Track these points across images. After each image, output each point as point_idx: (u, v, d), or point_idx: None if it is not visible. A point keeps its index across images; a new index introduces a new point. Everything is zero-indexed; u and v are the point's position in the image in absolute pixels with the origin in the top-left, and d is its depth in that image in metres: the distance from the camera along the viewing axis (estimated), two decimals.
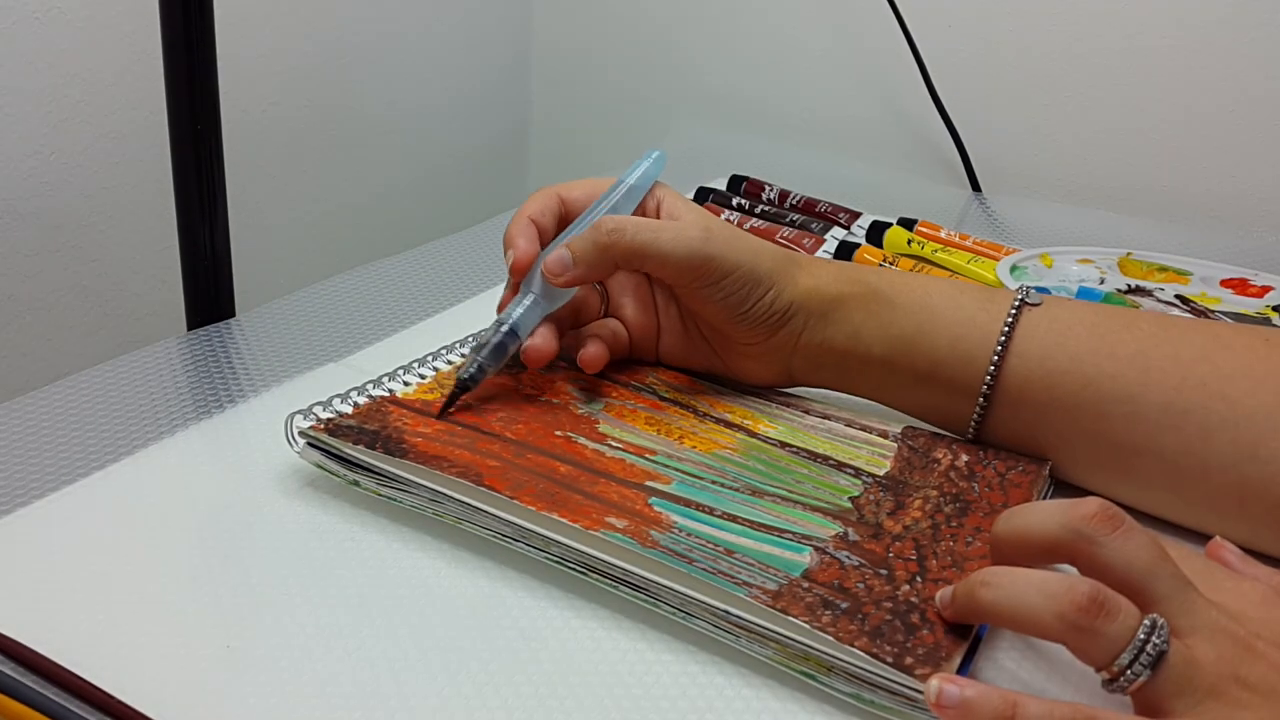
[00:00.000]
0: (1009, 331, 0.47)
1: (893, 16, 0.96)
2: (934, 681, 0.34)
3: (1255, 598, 0.35)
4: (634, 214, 0.52)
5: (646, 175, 0.53)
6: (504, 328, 0.48)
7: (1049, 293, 0.66)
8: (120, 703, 0.34)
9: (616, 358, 0.53)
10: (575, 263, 0.48)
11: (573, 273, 0.48)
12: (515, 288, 0.50)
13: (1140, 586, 0.33)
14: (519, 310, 0.49)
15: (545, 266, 0.48)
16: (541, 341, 0.49)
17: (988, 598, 0.35)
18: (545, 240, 0.51)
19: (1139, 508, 0.46)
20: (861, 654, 0.35)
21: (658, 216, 0.52)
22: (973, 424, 0.48)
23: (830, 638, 0.35)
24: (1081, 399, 0.46)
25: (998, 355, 0.46)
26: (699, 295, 0.49)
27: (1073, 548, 0.34)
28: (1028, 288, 0.48)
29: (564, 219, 0.52)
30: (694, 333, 0.53)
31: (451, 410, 0.48)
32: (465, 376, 0.47)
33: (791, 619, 0.36)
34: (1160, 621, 0.32)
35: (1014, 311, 0.47)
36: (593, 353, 0.50)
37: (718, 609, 0.37)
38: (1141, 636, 0.32)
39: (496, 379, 0.51)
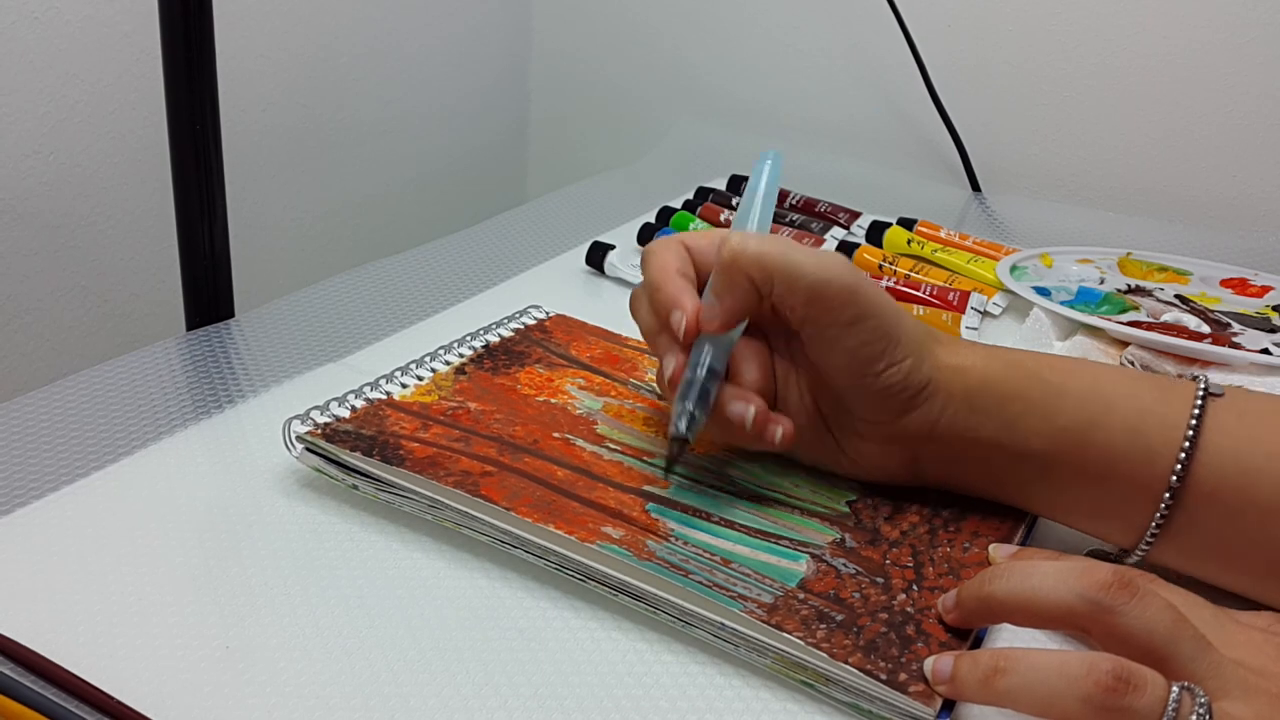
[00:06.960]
0: (1196, 425, 0.41)
1: (893, 17, 0.96)
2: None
3: (1271, 651, 0.35)
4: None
5: (772, 180, 0.50)
6: (701, 370, 0.43)
7: (1048, 295, 0.66)
8: (120, 703, 0.34)
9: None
10: (717, 298, 0.43)
11: (716, 309, 0.43)
12: (686, 349, 0.44)
13: (1165, 653, 0.33)
14: (706, 348, 0.44)
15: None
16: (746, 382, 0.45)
17: (1004, 685, 0.33)
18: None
19: None
20: (855, 671, 0.35)
21: None
22: (1151, 532, 0.42)
23: (824, 654, 0.35)
24: None
25: (1185, 451, 0.40)
26: (827, 337, 0.42)
27: (1090, 618, 0.34)
28: (1206, 377, 0.43)
29: (697, 269, 0.47)
30: (812, 410, 0.46)
31: (452, 411, 0.48)
32: (676, 433, 0.42)
33: (786, 634, 0.36)
34: (1195, 689, 0.32)
35: (1199, 402, 0.41)
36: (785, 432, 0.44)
37: (714, 621, 0.37)
38: (1173, 706, 0.31)
39: (496, 379, 0.51)
